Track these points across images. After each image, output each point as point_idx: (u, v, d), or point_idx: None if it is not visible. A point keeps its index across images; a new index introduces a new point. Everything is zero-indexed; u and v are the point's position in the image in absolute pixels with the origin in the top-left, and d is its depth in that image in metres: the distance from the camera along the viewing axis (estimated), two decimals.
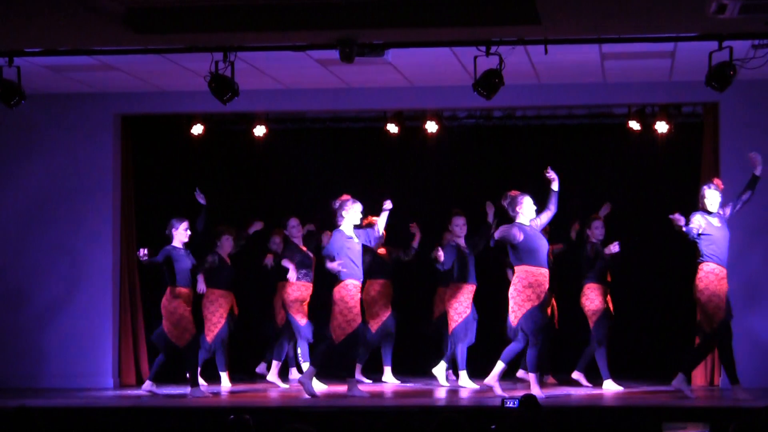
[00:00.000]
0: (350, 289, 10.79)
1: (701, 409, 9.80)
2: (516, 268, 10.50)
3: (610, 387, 11.28)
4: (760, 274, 11.47)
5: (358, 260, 10.83)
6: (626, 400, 10.61)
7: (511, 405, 7.45)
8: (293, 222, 12.11)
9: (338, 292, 10.77)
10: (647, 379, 11.94)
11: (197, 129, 12.90)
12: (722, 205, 10.46)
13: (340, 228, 10.85)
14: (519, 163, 13.50)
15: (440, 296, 12.23)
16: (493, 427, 7.33)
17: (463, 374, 11.68)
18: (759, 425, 6.00)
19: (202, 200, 11.70)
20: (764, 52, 9.35)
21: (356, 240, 10.87)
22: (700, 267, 10.37)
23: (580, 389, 11.38)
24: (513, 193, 10.65)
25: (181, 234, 11.23)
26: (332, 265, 10.68)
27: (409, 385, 12.01)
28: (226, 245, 11.87)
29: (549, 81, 11.64)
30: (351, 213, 10.85)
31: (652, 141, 12.61)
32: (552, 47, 9.44)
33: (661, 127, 12.33)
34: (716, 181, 10.58)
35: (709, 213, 10.40)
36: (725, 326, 10.30)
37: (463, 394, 11.22)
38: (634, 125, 12.57)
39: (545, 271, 10.49)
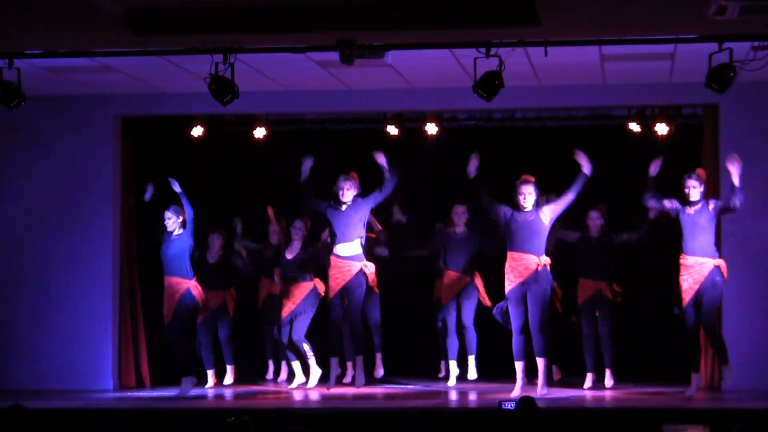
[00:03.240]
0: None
1: (701, 411, 9.79)
2: None
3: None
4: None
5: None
6: (626, 401, 10.60)
7: (508, 407, 7.43)
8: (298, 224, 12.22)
9: None
10: (647, 380, 11.93)
11: (197, 131, 12.90)
12: (706, 196, 10.56)
13: None
14: (519, 164, 13.47)
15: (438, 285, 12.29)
16: (492, 429, 7.33)
17: (451, 364, 11.82)
18: (760, 426, 6.00)
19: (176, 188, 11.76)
20: (764, 54, 9.34)
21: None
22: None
23: (579, 390, 11.38)
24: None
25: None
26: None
27: (409, 387, 12.00)
28: (213, 245, 11.98)
29: (549, 82, 11.64)
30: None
31: (652, 142, 12.60)
32: (552, 49, 9.43)
33: (661, 128, 12.33)
34: (698, 170, 10.65)
35: (690, 203, 10.52)
36: (686, 314, 10.52)
37: (462, 395, 11.22)
38: (634, 127, 12.56)
39: (526, 257, 10.63)
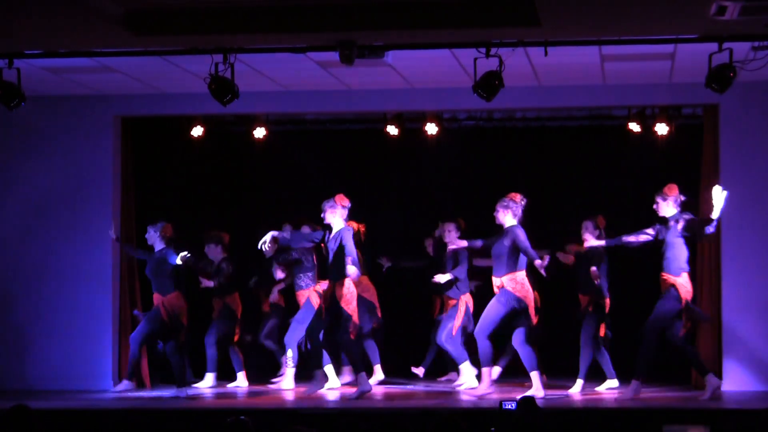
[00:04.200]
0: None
1: (701, 411, 9.79)
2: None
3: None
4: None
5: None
6: (626, 402, 10.59)
7: (509, 407, 7.44)
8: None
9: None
10: (647, 380, 11.91)
11: (197, 131, 12.91)
12: (676, 217, 10.54)
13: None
14: (519, 164, 13.50)
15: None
16: (492, 429, 7.34)
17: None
18: (760, 426, 6.01)
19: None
20: (764, 54, 9.34)
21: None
22: None
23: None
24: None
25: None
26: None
27: (409, 387, 12.00)
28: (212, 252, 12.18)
29: (549, 83, 11.64)
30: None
31: (652, 143, 12.61)
32: (552, 49, 9.43)
33: (661, 128, 12.33)
34: (666, 187, 10.62)
35: (663, 221, 10.58)
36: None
37: (462, 396, 11.22)
38: (634, 127, 12.57)
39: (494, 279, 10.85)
